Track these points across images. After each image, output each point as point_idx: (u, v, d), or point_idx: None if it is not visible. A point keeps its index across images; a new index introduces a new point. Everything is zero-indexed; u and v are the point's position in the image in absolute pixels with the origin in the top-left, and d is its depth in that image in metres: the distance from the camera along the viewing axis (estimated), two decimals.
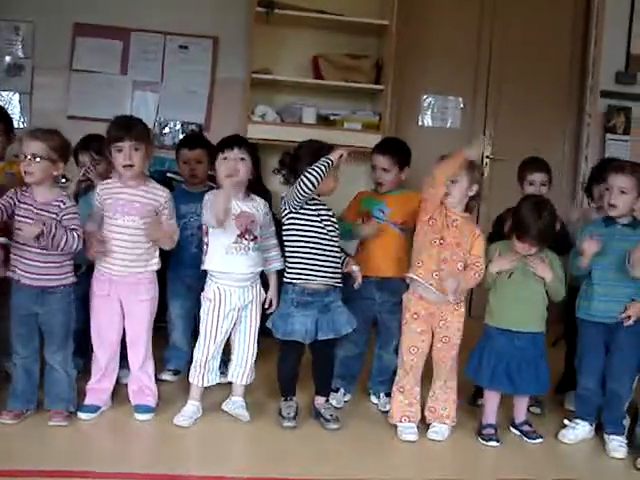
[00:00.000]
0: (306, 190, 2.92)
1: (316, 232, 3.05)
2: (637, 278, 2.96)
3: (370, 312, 3.36)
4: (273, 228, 3.19)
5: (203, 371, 3.08)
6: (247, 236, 3.01)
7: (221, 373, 3.20)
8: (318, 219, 3.06)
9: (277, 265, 3.19)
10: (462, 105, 5.40)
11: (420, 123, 5.37)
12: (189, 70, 4.96)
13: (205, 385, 3.10)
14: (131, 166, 2.98)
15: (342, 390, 3.39)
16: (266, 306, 3.16)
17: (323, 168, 2.91)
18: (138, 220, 3.00)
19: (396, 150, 3.43)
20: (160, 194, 3.08)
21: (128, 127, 3.00)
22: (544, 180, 3.52)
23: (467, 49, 5.35)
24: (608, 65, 5.42)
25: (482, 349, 3.14)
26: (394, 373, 3.22)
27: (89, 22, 4.83)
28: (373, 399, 3.47)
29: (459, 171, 2.99)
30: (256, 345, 3.15)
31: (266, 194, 3.81)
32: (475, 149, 3.10)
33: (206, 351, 3.07)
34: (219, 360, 3.13)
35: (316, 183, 2.91)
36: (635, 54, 5.44)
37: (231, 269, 3.02)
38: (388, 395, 3.27)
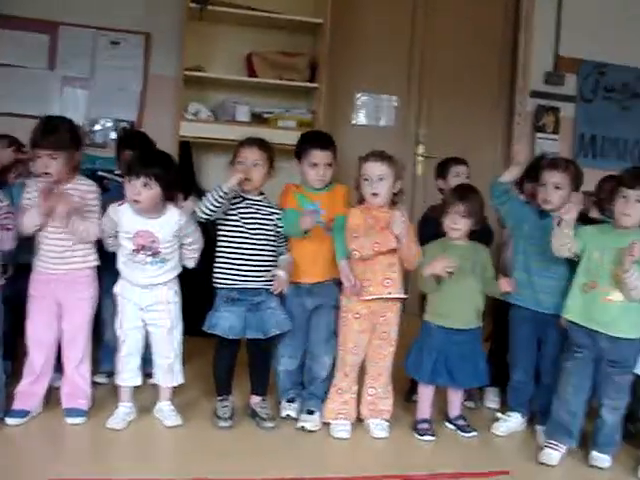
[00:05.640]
0: (203, 217, 2.99)
1: (237, 234, 3.06)
2: (560, 270, 3.06)
3: (303, 320, 3.22)
4: (198, 233, 3.12)
5: (122, 369, 3.04)
6: (143, 252, 2.96)
7: (146, 375, 3.17)
8: (239, 222, 3.06)
9: (188, 263, 3.13)
10: (395, 104, 5.45)
11: (354, 122, 5.40)
12: (121, 66, 4.86)
13: (127, 385, 3.05)
14: (48, 174, 2.90)
15: (298, 400, 3.27)
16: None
17: (218, 198, 2.95)
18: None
19: (333, 143, 3.35)
20: (85, 189, 3.01)
21: (47, 134, 2.91)
22: (468, 173, 3.64)
23: (400, 48, 5.41)
24: (537, 66, 5.56)
25: (421, 345, 3.16)
26: (324, 380, 3.21)
27: (14, 14, 4.67)
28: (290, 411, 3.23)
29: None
30: (178, 347, 3.10)
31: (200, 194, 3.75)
32: (399, 225, 2.96)
33: (121, 348, 3.03)
34: (139, 359, 3.07)
35: (210, 212, 2.97)
36: (563, 55, 5.58)
37: (129, 277, 3.00)
38: (310, 412, 3.14)
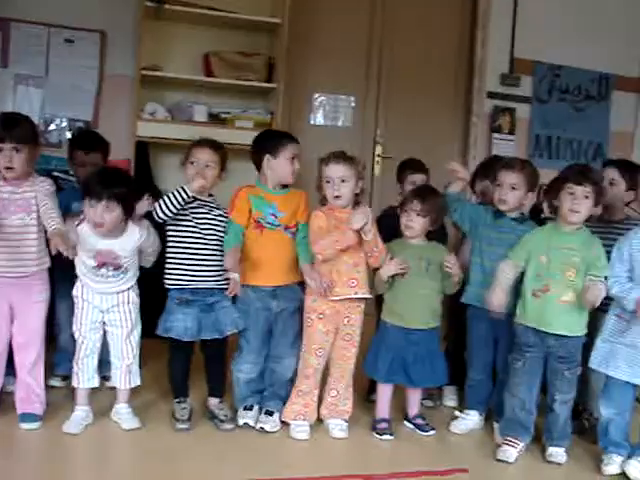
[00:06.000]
0: (162, 219, 2.99)
1: (189, 235, 3.05)
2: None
3: (267, 324, 3.16)
4: (157, 240, 3.10)
5: (79, 371, 3.00)
6: (105, 268, 2.94)
7: (103, 377, 3.14)
8: (192, 222, 3.05)
9: (146, 264, 3.11)
10: (353, 104, 5.46)
11: (312, 122, 5.40)
12: (76, 65, 4.76)
13: (85, 387, 3.01)
14: (11, 168, 2.84)
15: (256, 407, 3.20)
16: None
17: (180, 201, 2.95)
18: (26, 217, 2.88)
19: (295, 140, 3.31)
20: (42, 185, 2.94)
21: (9, 127, 2.86)
22: (424, 181, 3.62)
23: (358, 48, 5.41)
24: (493, 67, 5.62)
25: (378, 344, 3.17)
26: (288, 381, 3.20)
27: None
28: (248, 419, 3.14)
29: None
30: (137, 347, 3.07)
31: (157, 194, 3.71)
32: (358, 219, 2.94)
33: (79, 349, 2.99)
34: (97, 360, 3.04)
35: (170, 214, 2.97)
36: (518, 57, 5.64)
37: (90, 284, 2.97)
38: (270, 414, 3.12)
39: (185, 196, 2.95)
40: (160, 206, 2.97)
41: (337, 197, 3.03)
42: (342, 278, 3.04)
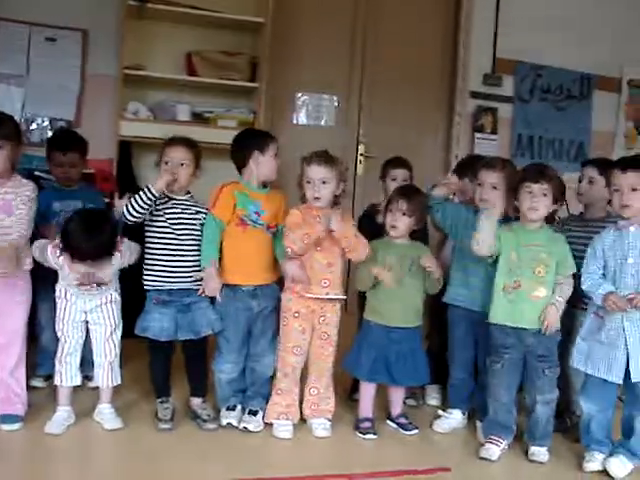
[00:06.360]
0: (131, 220, 2.97)
1: (164, 235, 3.05)
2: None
3: (247, 324, 3.15)
4: (136, 250, 3.08)
5: (62, 369, 2.99)
6: (89, 286, 2.94)
7: (85, 377, 3.14)
8: (166, 223, 3.05)
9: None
10: (336, 103, 5.46)
11: (295, 121, 5.39)
12: (57, 64, 4.73)
13: (66, 385, 3.00)
14: None
15: (239, 407, 3.20)
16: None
17: (146, 200, 2.93)
18: (6, 218, 2.86)
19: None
20: (22, 191, 2.93)
21: None
22: (406, 177, 3.62)
23: (341, 48, 5.41)
24: (476, 67, 5.64)
25: (361, 343, 3.18)
26: (269, 379, 3.20)
27: None
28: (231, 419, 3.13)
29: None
30: (117, 346, 3.06)
31: None
32: (335, 222, 2.97)
33: (62, 347, 2.99)
34: (79, 358, 3.03)
35: (138, 215, 2.96)
36: (501, 57, 5.67)
37: (73, 291, 2.97)
38: (253, 413, 3.12)
39: (150, 195, 2.93)
40: (127, 208, 2.96)
41: (317, 198, 3.04)
42: (316, 277, 3.04)
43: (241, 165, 3.18)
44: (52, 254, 2.89)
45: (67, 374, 3.00)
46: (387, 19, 5.47)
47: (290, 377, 3.12)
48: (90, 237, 2.80)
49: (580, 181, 3.41)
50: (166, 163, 3.08)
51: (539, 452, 2.99)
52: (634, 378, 2.79)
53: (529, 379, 3.01)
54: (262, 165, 3.15)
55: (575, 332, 3.08)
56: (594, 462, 2.91)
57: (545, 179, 2.94)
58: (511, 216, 3.15)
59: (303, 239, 2.98)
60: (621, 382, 2.82)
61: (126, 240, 3.01)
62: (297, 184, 3.12)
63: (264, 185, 3.20)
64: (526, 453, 3.03)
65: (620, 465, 2.87)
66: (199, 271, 3.06)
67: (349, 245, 3.03)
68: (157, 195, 2.96)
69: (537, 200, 2.93)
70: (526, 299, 2.94)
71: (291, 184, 3.19)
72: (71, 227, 2.82)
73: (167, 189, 3.03)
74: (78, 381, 3.04)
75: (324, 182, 3.03)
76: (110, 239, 2.87)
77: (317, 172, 3.03)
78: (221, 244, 3.11)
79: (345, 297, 3.14)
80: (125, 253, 2.97)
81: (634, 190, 2.78)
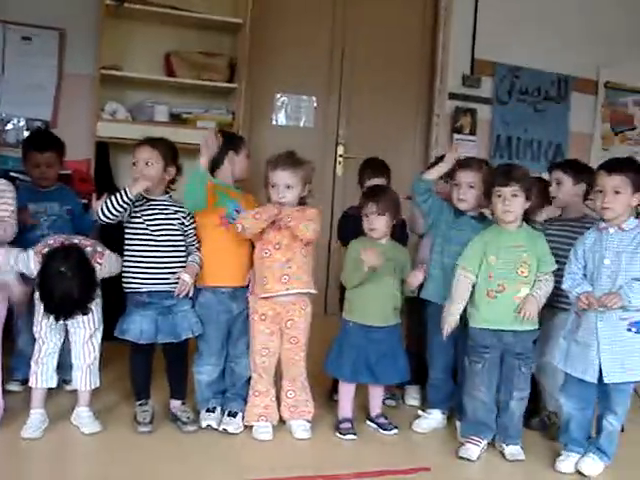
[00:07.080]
0: (104, 221, 2.95)
1: (142, 237, 3.04)
2: None
3: (227, 327, 3.16)
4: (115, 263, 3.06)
5: (37, 370, 2.95)
6: None
7: (63, 381, 3.12)
8: (143, 224, 3.04)
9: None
10: (315, 104, 5.46)
11: (274, 122, 5.38)
12: (33, 63, 4.67)
13: (41, 386, 2.96)
14: None
15: (218, 409, 3.18)
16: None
17: (122, 204, 2.91)
18: None
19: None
20: (3, 188, 2.94)
21: None
22: (384, 183, 3.60)
23: (320, 49, 5.42)
24: (455, 69, 5.66)
25: (341, 343, 3.18)
26: (248, 380, 3.18)
27: None
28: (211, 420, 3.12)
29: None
30: (97, 349, 3.03)
31: None
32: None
33: (39, 349, 2.96)
34: (56, 360, 3.00)
35: (112, 217, 2.94)
36: (479, 59, 5.70)
37: None
38: (233, 415, 3.12)
39: (126, 198, 2.92)
40: (102, 208, 2.94)
41: (281, 203, 3.03)
42: (275, 274, 3.03)
43: (215, 166, 3.20)
44: (34, 261, 2.86)
45: (43, 376, 2.96)
46: (366, 20, 5.49)
47: (265, 378, 3.11)
48: (65, 297, 2.76)
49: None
50: (134, 164, 3.07)
51: (517, 452, 3.00)
52: (605, 379, 2.81)
53: (505, 376, 3.02)
54: (236, 164, 3.23)
55: (550, 331, 3.10)
56: (567, 462, 2.91)
57: (513, 180, 2.96)
58: (488, 216, 3.17)
59: (255, 216, 2.98)
60: (596, 382, 2.83)
61: (108, 252, 2.99)
62: (264, 185, 3.12)
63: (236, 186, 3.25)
64: (504, 454, 3.02)
65: (592, 464, 2.89)
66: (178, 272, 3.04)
67: (298, 228, 2.99)
68: (133, 199, 2.95)
69: (509, 203, 2.95)
70: (511, 301, 2.95)
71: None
72: (47, 285, 2.78)
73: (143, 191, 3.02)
74: (54, 383, 3.00)
75: (288, 187, 3.03)
76: (87, 295, 2.83)
77: (281, 177, 3.03)
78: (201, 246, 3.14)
79: (314, 291, 3.12)
80: (104, 268, 2.94)
81: (617, 193, 2.80)
